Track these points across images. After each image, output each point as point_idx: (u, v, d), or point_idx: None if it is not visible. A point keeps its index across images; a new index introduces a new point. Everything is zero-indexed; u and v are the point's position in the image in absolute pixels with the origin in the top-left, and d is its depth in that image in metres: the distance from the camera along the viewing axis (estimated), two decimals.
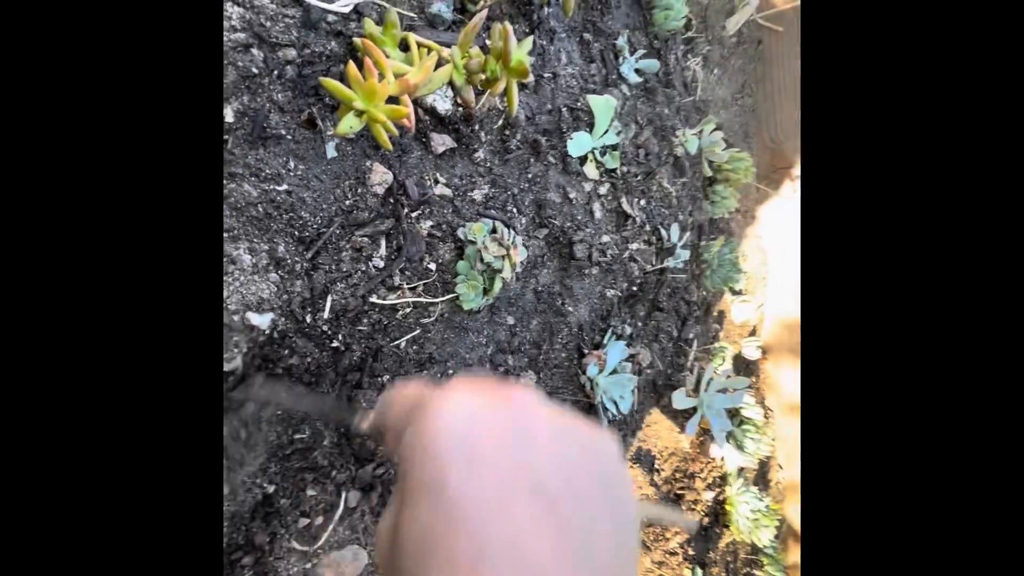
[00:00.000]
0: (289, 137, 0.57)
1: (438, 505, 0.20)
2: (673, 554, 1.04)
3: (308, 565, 0.57)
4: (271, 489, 0.56)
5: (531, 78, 0.68)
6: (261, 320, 0.56)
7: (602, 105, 0.87)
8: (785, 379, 1.68)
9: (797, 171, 1.77)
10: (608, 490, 0.23)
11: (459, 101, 0.70)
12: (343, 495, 0.60)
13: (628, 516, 0.24)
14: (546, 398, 0.26)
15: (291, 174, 0.57)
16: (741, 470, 1.27)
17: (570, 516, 0.21)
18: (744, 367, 1.56)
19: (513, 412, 0.23)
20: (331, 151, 0.61)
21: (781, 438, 1.64)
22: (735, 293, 1.63)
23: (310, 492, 0.58)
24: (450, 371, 0.70)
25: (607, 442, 0.26)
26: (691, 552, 1.08)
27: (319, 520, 0.58)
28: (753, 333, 1.70)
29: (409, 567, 0.20)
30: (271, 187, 0.55)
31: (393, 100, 0.55)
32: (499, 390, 0.24)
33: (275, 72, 0.55)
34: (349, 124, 0.52)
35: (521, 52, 0.61)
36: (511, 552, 0.19)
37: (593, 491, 0.23)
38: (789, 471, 1.63)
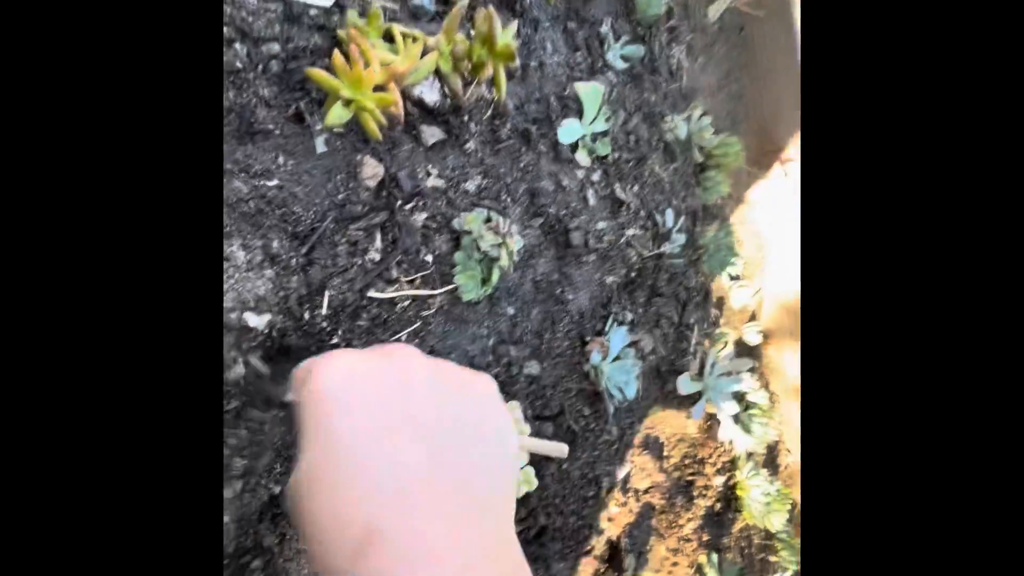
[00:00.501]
0: (277, 132, 0.57)
1: (324, 447, 0.23)
2: (687, 540, 1.03)
3: None
4: (277, 490, 0.55)
5: (517, 63, 0.68)
6: (258, 321, 0.56)
7: (590, 92, 0.87)
8: (788, 363, 1.68)
9: (787, 154, 1.78)
10: (482, 425, 0.27)
11: (447, 91, 0.69)
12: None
13: (503, 446, 0.27)
14: (424, 353, 0.29)
15: (281, 169, 0.56)
16: (750, 455, 1.26)
17: (442, 443, 0.24)
18: (746, 352, 1.55)
19: (391, 364, 0.26)
20: (320, 146, 0.60)
21: (787, 422, 1.63)
22: (733, 278, 1.63)
23: None
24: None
25: (482, 384, 0.29)
26: (705, 538, 1.07)
27: None
28: (753, 318, 1.70)
29: (304, 505, 0.22)
30: (261, 183, 0.55)
31: (380, 89, 0.54)
32: (378, 348, 0.27)
33: (259, 67, 0.55)
34: (337, 114, 0.52)
35: (506, 36, 0.61)
36: (388, 472, 0.22)
37: (466, 425, 0.26)
38: (797, 455, 1.62)
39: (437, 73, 0.66)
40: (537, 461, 0.76)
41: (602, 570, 0.86)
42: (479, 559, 0.21)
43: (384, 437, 0.23)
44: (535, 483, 0.66)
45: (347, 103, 0.52)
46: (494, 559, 0.22)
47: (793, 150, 1.76)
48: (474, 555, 0.21)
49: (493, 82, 0.69)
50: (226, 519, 0.51)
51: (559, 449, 0.40)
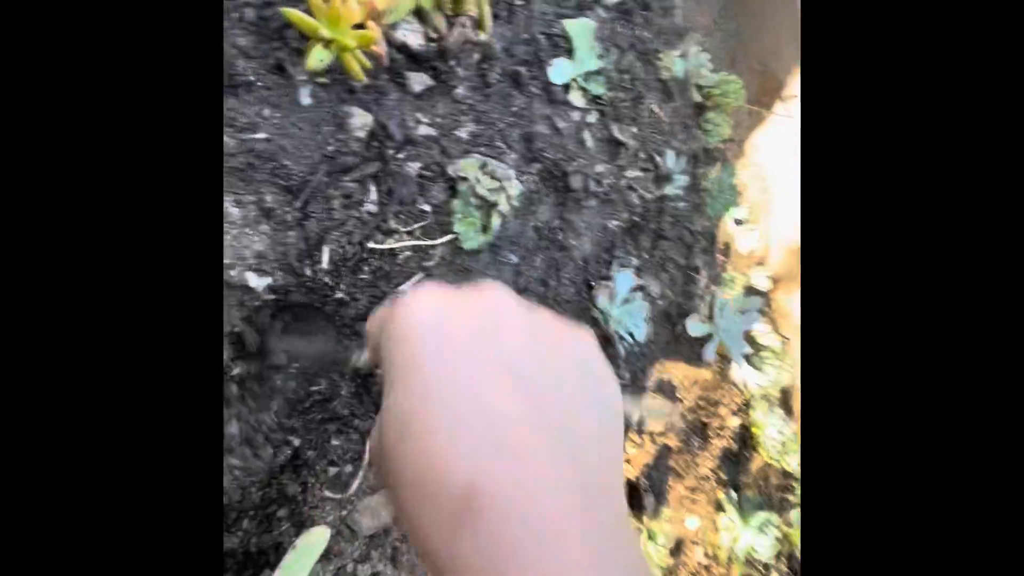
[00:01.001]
0: (260, 84, 0.55)
1: (414, 387, 0.20)
2: (706, 479, 1.05)
3: (343, 512, 0.57)
4: (297, 442, 0.56)
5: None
6: (259, 282, 0.55)
7: (580, 28, 0.83)
8: (798, 308, 1.67)
9: (789, 92, 1.72)
10: (585, 377, 0.24)
11: (430, 34, 0.67)
12: (368, 442, 0.60)
13: (609, 402, 0.24)
14: (517, 296, 0.26)
15: (267, 122, 0.55)
16: (764, 396, 1.27)
17: (544, 395, 0.21)
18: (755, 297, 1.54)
19: (484, 304, 0.24)
20: (305, 98, 0.59)
21: (800, 366, 1.63)
22: (738, 223, 1.60)
23: (335, 442, 0.58)
24: None
25: (583, 335, 0.26)
26: (723, 477, 1.09)
27: (348, 468, 0.58)
28: (760, 263, 1.68)
29: (391, 445, 0.20)
30: (248, 136, 0.53)
31: (360, 28, 0.52)
32: (467, 288, 0.25)
33: (234, 15, 0.53)
34: (318, 56, 0.50)
35: None
36: (489, 421, 0.19)
37: (569, 377, 0.23)
38: None
39: (418, 13, 0.64)
40: None
41: None
42: (598, 532, 0.18)
43: (482, 381, 0.20)
44: None
45: (327, 44, 0.50)
46: (612, 533, 0.19)
47: (795, 87, 1.70)
48: (594, 529, 0.18)
49: (478, 20, 0.66)
50: (250, 472, 0.52)
51: (670, 407, 0.38)
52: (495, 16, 0.77)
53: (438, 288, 0.24)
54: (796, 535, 1.27)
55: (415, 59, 0.68)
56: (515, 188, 0.70)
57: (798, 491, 1.35)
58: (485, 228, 0.69)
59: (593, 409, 0.23)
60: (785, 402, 1.54)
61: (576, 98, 0.84)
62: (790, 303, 1.70)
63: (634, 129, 0.94)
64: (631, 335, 0.86)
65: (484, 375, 0.20)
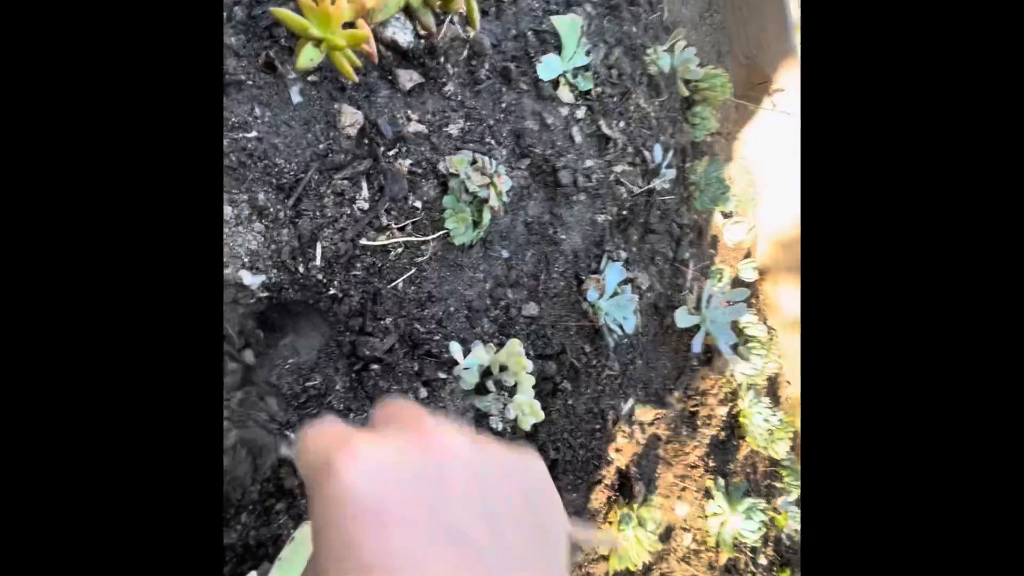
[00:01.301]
0: (250, 83, 0.55)
1: (348, 566, 0.19)
2: (694, 467, 1.07)
3: None
4: (293, 436, 0.57)
5: None
6: (253, 280, 0.56)
7: (568, 25, 0.84)
8: (784, 298, 1.70)
9: (776, 86, 1.74)
10: (535, 518, 0.23)
11: (420, 31, 0.67)
12: None
13: (557, 539, 0.24)
14: (461, 428, 0.24)
15: (258, 121, 0.55)
16: (751, 385, 1.29)
17: (491, 559, 0.20)
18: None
19: (425, 456, 0.22)
20: (296, 96, 0.59)
21: (786, 355, 1.67)
22: (726, 216, 1.63)
23: None
24: (451, 308, 0.70)
25: (530, 464, 0.25)
26: (712, 464, 1.11)
27: None
28: (748, 255, 1.71)
29: None
30: (239, 135, 0.54)
31: (350, 27, 0.53)
32: (410, 432, 0.23)
33: (223, 13, 0.53)
34: (309, 56, 0.51)
35: None
36: None
37: (517, 525, 0.22)
38: (797, 387, 1.65)
39: (407, 11, 0.64)
40: (545, 394, 0.78)
41: (614, 497, 0.89)
42: None
43: (422, 561, 0.19)
44: (542, 415, 0.68)
45: (317, 43, 0.50)
46: None
47: (781, 81, 1.72)
48: None
49: (467, 16, 0.67)
50: (246, 466, 0.53)
51: (609, 541, 0.37)
52: (483, 13, 0.78)
53: (373, 445, 0.21)
54: (782, 520, 1.31)
55: (405, 56, 0.68)
56: (505, 184, 0.71)
57: (785, 477, 1.38)
58: (476, 224, 0.70)
59: (541, 555, 0.23)
60: (772, 391, 1.57)
61: (564, 94, 0.85)
62: (777, 294, 1.73)
63: (622, 124, 0.95)
64: (620, 327, 0.88)
65: (425, 551, 0.19)
